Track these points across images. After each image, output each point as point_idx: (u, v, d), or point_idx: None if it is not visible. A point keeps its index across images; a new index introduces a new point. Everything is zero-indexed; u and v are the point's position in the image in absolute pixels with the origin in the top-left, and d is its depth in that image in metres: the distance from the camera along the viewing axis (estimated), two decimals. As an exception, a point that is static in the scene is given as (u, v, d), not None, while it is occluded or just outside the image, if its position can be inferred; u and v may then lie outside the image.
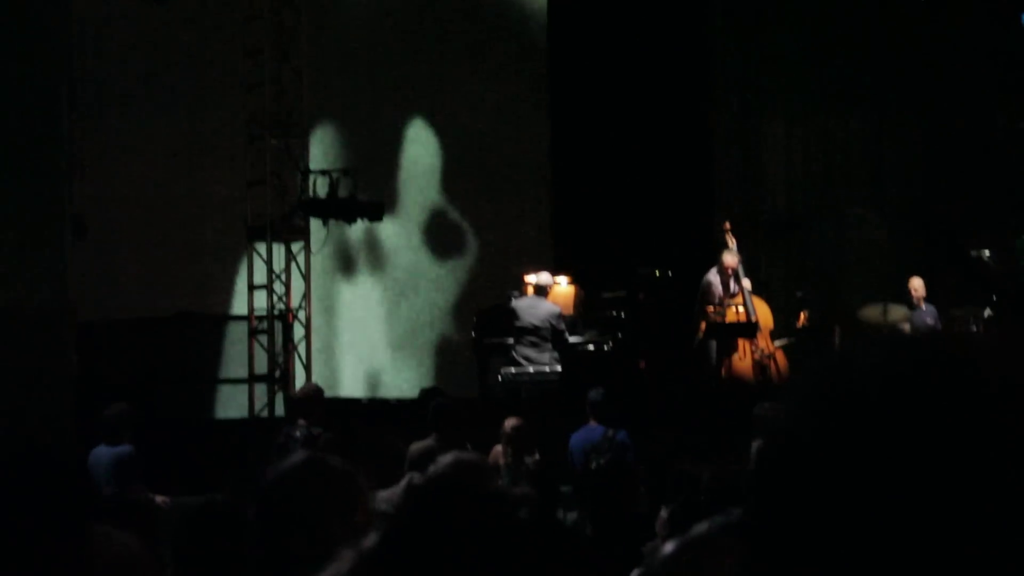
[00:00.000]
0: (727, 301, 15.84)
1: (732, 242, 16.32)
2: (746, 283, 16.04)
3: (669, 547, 2.28)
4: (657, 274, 16.44)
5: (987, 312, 16.10)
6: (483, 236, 18.70)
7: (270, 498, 3.34)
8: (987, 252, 16.92)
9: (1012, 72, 18.75)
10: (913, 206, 19.34)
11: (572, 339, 15.40)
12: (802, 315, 16.61)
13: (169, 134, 16.71)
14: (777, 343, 16.13)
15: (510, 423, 11.55)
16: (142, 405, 11.76)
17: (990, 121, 19.22)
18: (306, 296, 16.34)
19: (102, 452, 10.85)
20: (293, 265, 16.19)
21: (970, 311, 16.25)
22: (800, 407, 1.22)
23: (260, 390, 15.95)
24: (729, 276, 15.92)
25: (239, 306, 16.43)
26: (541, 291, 15.37)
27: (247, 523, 3.81)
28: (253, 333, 15.95)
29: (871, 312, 16.16)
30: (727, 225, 16.75)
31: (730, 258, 15.96)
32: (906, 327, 15.73)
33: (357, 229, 16.83)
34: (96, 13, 16.06)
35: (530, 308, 15.24)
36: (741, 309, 15.82)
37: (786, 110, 19.64)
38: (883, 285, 17.55)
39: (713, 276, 16.05)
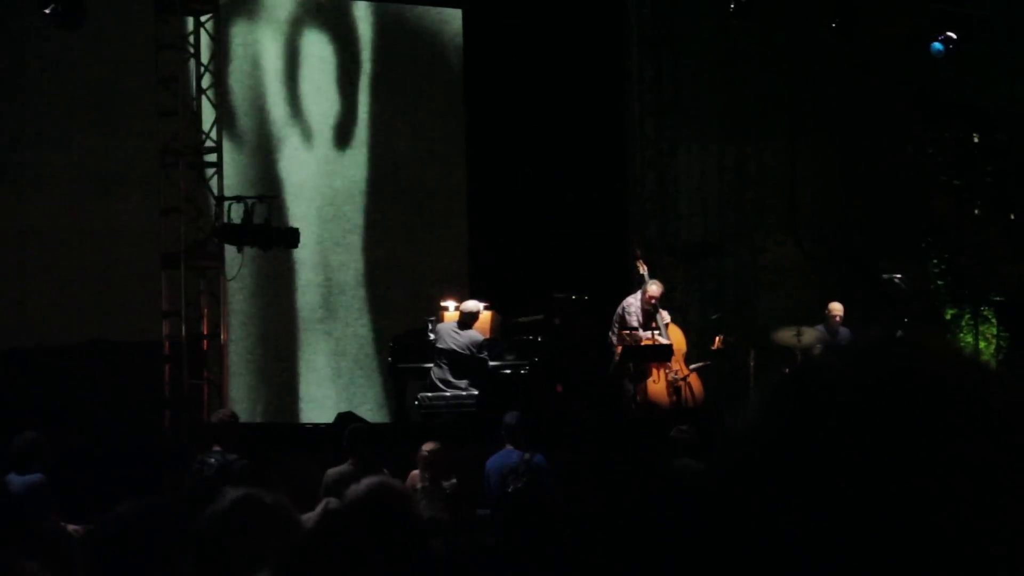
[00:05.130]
0: (640, 333, 15.93)
1: (643, 269, 16.44)
2: (665, 315, 16.18)
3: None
4: (573, 298, 16.49)
5: (899, 334, 16.23)
6: (399, 262, 18.66)
7: (206, 538, 3.32)
8: (898, 275, 17.11)
9: (922, 99, 18.99)
10: (826, 230, 19.53)
11: (490, 363, 15.42)
12: (717, 339, 16.72)
13: (82, 161, 16.56)
14: (692, 366, 16.22)
15: (427, 447, 11.53)
16: (54, 433, 11.61)
17: (901, 147, 19.46)
18: (221, 322, 16.24)
19: (13, 480, 10.71)
20: (208, 292, 16.09)
21: (884, 332, 16.39)
22: (768, 413, 1.24)
23: (174, 417, 15.81)
24: (651, 305, 16.02)
25: (155, 333, 16.29)
26: (468, 318, 15.37)
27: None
28: (167, 359, 15.83)
29: (785, 335, 16.29)
30: (638, 253, 16.88)
31: (655, 288, 16.08)
32: (818, 350, 15.85)
33: (273, 255, 16.75)
34: (7, 38, 15.91)
35: (452, 333, 15.25)
36: (657, 335, 15.91)
37: (701, 136, 19.76)
38: (797, 309, 17.71)
39: (633, 300, 16.13)
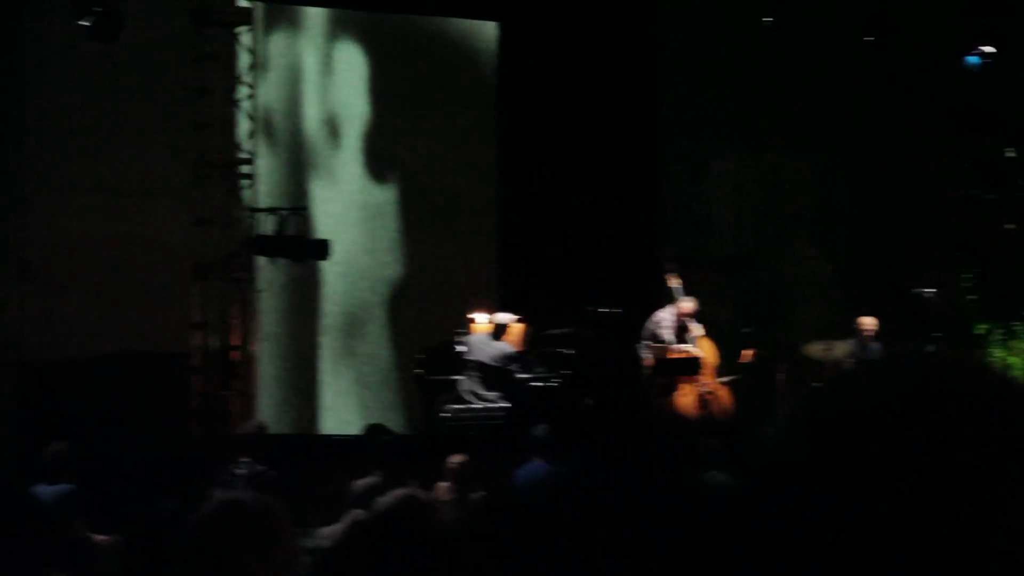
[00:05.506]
0: (674, 345, 15.92)
1: (675, 282, 16.42)
2: (697, 328, 16.15)
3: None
4: (604, 312, 16.46)
5: (930, 348, 16.18)
6: (430, 274, 18.67)
7: (190, 543, 3.32)
8: (929, 290, 17.04)
9: (956, 113, 18.92)
10: (858, 244, 19.47)
11: (519, 376, 15.41)
12: (748, 352, 16.68)
13: (116, 172, 16.63)
14: (721, 379, 16.19)
15: (455, 459, 11.52)
16: (85, 443, 11.65)
17: (934, 160, 19.38)
18: (252, 333, 16.27)
19: (42, 491, 10.73)
20: (239, 303, 16.12)
21: (914, 347, 16.35)
22: (798, 426, 1.25)
23: (203, 428, 15.84)
24: (684, 319, 16.01)
25: (185, 344, 16.34)
26: (500, 330, 15.38)
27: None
28: (196, 371, 15.86)
29: (816, 349, 16.25)
30: (670, 266, 16.84)
31: (688, 305, 16.07)
32: (849, 364, 15.81)
33: (304, 267, 16.78)
34: (41, 50, 15.99)
35: (481, 345, 15.26)
36: (688, 348, 15.89)
37: (733, 149, 19.74)
38: (828, 322, 17.66)
39: (665, 314, 16.12)
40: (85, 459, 11.24)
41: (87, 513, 10.69)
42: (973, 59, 17.43)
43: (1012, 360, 18.30)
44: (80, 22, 14.42)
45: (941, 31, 18.33)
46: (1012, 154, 19.09)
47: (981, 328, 18.78)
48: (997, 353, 18.39)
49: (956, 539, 1.16)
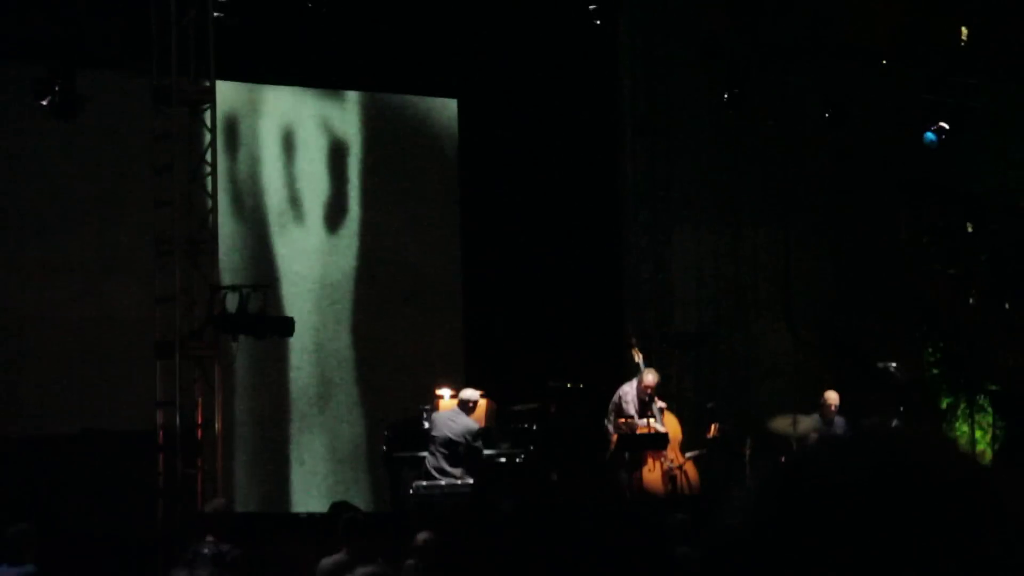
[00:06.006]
0: (636, 421, 15.92)
1: (638, 357, 16.44)
2: (659, 402, 16.18)
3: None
4: (568, 386, 16.46)
5: (895, 423, 16.25)
6: (394, 349, 18.65)
7: None
8: (893, 364, 17.11)
9: (915, 188, 19.08)
10: (821, 318, 19.55)
11: (486, 452, 15.39)
12: (713, 427, 16.69)
13: (77, 250, 16.60)
14: (688, 455, 16.18)
15: (422, 536, 11.46)
16: (46, 523, 11.55)
17: (895, 235, 19.52)
18: (215, 411, 16.19)
19: (4, 572, 10.63)
20: (202, 381, 16.05)
21: (879, 422, 16.40)
22: (762, 501, 1.26)
23: (167, 506, 15.73)
24: (647, 394, 16.02)
25: (149, 422, 16.24)
26: (466, 406, 15.38)
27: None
28: (160, 448, 15.76)
29: (781, 423, 16.27)
30: (633, 341, 16.88)
31: (651, 377, 16.08)
32: (814, 439, 15.82)
33: (268, 343, 16.72)
34: (4, 128, 16.00)
35: (448, 422, 15.25)
36: (653, 423, 15.89)
37: (695, 223, 19.83)
38: (792, 397, 17.69)
39: (629, 388, 16.14)
40: (48, 539, 11.14)
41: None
42: (931, 135, 17.60)
43: (977, 434, 18.37)
44: (40, 101, 14.42)
45: (899, 107, 18.52)
46: (971, 229, 19.26)
47: (945, 402, 18.86)
48: (962, 427, 18.46)
49: None
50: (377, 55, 18.24)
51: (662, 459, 15.93)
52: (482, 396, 16.07)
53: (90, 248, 16.69)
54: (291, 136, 18.53)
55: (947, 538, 1.19)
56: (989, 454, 18.06)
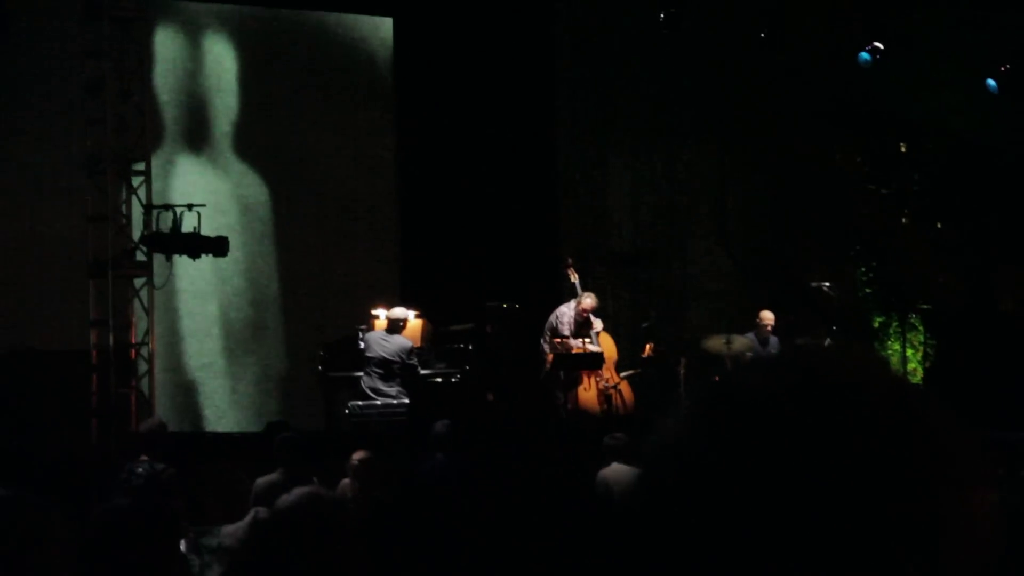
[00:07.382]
0: (571, 342, 15.98)
1: (574, 278, 16.47)
2: (597, 323, 16.21)
3: None
4: (504, 307, 16.49)
5: (828, 341, 16.40)
6: (330, 271, 18.61)
7: None
8: (827, 283, 17.24)
9: (849, 109, 19.14)
10: (755, 239, 19.64)
11: (422, 372, 15.42)
12: (648, 346, 16.79)
13: (8, 170, 16.42)
14: (623, 374, 16.27)
15: (357, 456, 11.48)
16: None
17: (829, 156, 19.60)
18: (149, 331, 16.13)
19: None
20: (136, 300, 15.97)
21: (812, 341, 16.55)
22: (694, 420, 1.29)
23: (101, 426, 15.70)
24: (584, 317, 16.06)
25: (80, 342, 16.16)
26: (396, 325, 15.37)
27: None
28: (94, 368, 15.70)
29: (715, 343, 16.38)
30: (569, 262, 16.90)
31: (589, 301, 16.11)
32: (748, 358, 15.95)
33: (201, 264, 16.64)
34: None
35: (381, 341, 15.24)
36: (588, 343, 15.96)
37: (631, 146, 19.84)
38: (727, 317, 17.80)
39: (566, 309, 16.17)
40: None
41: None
42: (865, 56, 17.63)
43: (908, 352, 18.56)
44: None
45: (835, 28, 18.53)
46: (905, 149, 19.35)
47: (878, 320, 19.04)
48: (894, 345, 18.65)
49: (839, 528, 1.20)
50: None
51: (598, 378, 16.01)
52: (417, 316, 16.08)
53: (21, 168, 16.50)
54: (225, 55, 18.34)
55: (871, 455, 1.22)
56: (921, 372, 18.28)
